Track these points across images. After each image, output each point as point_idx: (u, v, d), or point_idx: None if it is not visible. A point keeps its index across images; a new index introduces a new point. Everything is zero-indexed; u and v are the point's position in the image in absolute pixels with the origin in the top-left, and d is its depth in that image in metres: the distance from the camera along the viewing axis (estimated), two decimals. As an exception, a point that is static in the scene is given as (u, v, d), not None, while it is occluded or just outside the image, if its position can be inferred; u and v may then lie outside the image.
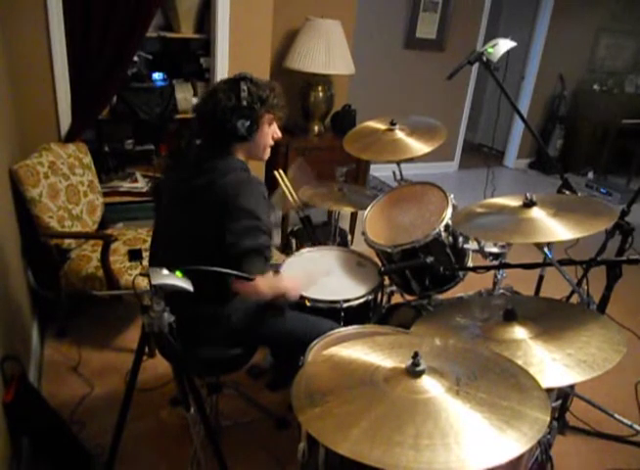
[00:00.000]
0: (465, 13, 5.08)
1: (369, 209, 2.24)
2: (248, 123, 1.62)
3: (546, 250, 1.68)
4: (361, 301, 1.98)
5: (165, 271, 1.33)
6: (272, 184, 2.50)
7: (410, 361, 1.11)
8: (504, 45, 2.16)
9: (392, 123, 2.36)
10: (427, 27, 5.04)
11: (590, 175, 5.75)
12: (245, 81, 1.63)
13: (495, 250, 1.96)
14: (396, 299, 2.36)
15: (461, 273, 2.10)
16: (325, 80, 3.72)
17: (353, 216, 3.74)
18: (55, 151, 2.55)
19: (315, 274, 1.99)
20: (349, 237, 3.21)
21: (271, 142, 1.77)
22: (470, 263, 2.12)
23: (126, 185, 3.16)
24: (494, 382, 1.12)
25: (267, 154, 1.79)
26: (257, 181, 1.64)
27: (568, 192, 2.24)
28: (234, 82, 1.63)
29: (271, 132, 1.74)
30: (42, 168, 2.39)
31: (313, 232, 2.53)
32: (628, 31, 5.88)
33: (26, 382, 1.85)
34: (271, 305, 1.78)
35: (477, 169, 5.74)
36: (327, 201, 2.47)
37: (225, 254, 1.57)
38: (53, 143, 2.60)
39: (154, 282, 1.30)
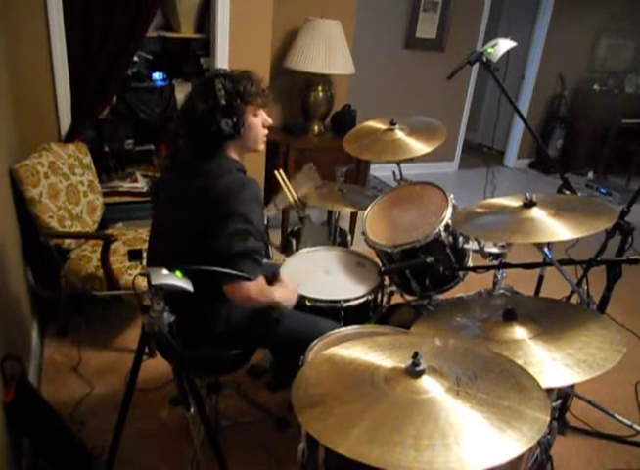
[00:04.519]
0: (465, 13, 5.08)
1: (369, 209, 2.24)
2: (232, 122, 1.58)
3: (546, 250, 1.68)
4: (361, 301, 1.98)
5: (165, 271, 1.33)
6: (272, 184, 2.50)
7: (410, 361, 1.11)
8: (504, 45, 2.16)
9: (392, 123, 2.35)
10: (427, 27, 5.04)
11: (590, 175, 5.74)
12: (219, 79, 1.58)
13: (495, 250, 1.96)
14: (396, 299, 2.36)
15: (461, 273, 2.10)
16: (325, 80, 3.72)
17: (353, 216, 3.74)
18: (55, 151, 2.55)
19: (312, 279, 1.98)
20: (349, 237, 3.21)
21: (264, 131, 1.72)
22: (470, 263, 2.12)
23: (126, 185, 3.16)
24: (494, 382, 1.12)
25: (262, 144, 1.74)
26: (252, 182, 1.62)
27: (568, 192, 2.24)
28: (208, 82, 1.59)
29: (260, 121, 1.69)
30: (42, 168, 2.39)
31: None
32: (628, 31, 5.88)
33: (26, 382, 1.85)
34: (269, 311, 1.78)
35: (477, 169, 5.74)
36: (327, 201, 2.47)
37: (217, 256, 1.56)
38: (53, 143, 2.60)
39: (153, 282, 1.30)
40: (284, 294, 1.76)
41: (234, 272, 1.49)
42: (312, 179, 2.44)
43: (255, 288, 1.60)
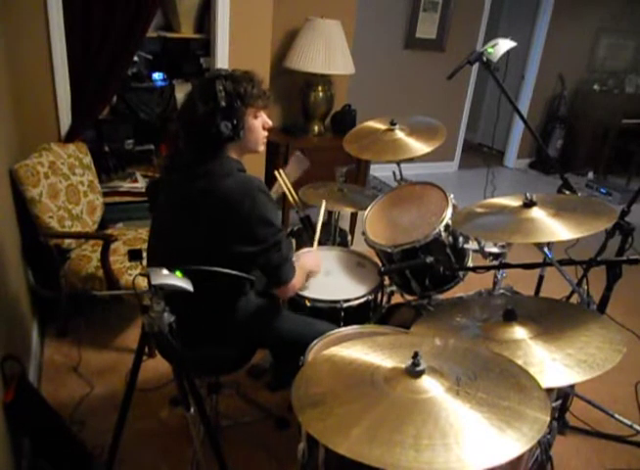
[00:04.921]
0: (465, 13, 5.08)
1: (369, 209, 2.24)
2: (231, 124, 1.56)
3: (546, 250, 1.68)
4: (361, 301, 1.98)
5: (165, 271, 1.33)
6: (272, 184, 2.50)
7: (410, 361, 1.11)
8: (504, 45, 2.16)
9: (392, 123, 2.35)
10: (427, 27, 5.04)
11: (590, 175, 5.74)
12: (219, 80, 1.55)
13: (495, 250, 1.96)
14: (396, 299, 2.36)
15: (461, 274, 2.09)
16: (325, 80, 3.72)
17: (353, 216, 3.74)
18: (55, 151, 2.55)
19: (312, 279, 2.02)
20: (349, 237, 3.21)
21: (264, 133, 1.71)
22: (470, 263, 2.12)
23: (126, 185, 3.16)
24: (494, 382, 1.12)
25: (262, 146, 1.73)
26: (255, 180, 1.62)
27: (568, 192, 2.24)
28: (208, 83, 1.57)
29: (260, 123, 1.67)
30: (42, 168, 2.39)
31: (313, 232, 2.53)
32: (628, 31, 5.88)
33: (26, 382, 1.85)
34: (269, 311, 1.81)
35: (477, 169, 5.75)
36: (327, 201, 2.47)
37: (235, 258, 1.58)
38: (53, 143, 2.60)
39: (153, 282, 1.30)
40: (311, 263, 1.94)
41: (233, 273, 1.49)
42: (302, 163, 2.44)
43: (297, 281, 1.71)
